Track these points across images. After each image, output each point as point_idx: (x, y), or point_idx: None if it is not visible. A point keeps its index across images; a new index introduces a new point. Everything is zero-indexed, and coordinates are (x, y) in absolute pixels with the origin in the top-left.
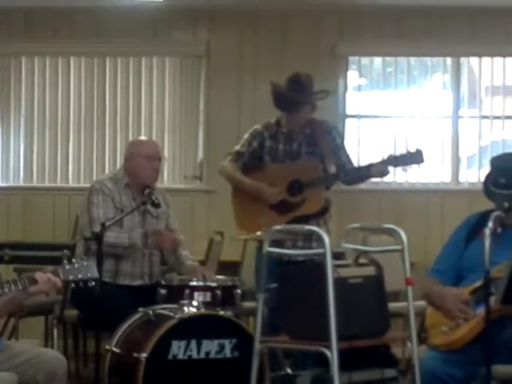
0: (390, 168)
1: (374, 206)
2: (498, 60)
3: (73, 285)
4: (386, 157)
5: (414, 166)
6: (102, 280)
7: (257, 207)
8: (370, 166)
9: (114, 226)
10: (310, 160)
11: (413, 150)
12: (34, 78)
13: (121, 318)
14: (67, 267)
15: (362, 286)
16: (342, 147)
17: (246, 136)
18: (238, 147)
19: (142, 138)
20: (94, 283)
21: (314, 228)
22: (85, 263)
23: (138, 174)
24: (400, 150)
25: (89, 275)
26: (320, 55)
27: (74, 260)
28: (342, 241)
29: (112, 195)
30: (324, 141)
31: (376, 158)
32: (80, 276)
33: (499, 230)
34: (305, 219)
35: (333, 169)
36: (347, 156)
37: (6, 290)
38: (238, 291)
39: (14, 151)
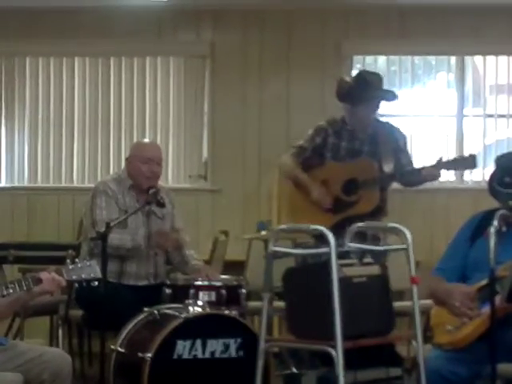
0: (443, 171)
1: None
2: (503, 58)
3: (76, 285)
4: (438, 160)
5: (467, 171)
6: (107, 280)
7: (312, 203)
8: (422, 168)
9: (117, 227)
10: (367, 159)
11: (466, 155)
12: (38, 78)
13: (126, 318)
14: (70, 267)
15: (367, 285)
16: (404, 149)
17: (310, 131)
18: (301, 142)
19: (145, 140)
20: (96, 283)
21: (320, 227)
22: (88, 263)
23: (136, 177)
24: (453, 154)
25: (92, 275)
26: (325, 54)
27: (77, 260)
28: (347, 240)
29: (115, 197)
30: (385, 141)
31: (430, 161)
32: (83, 276)
33: (504, 228)
34: (360, 219)
35: (388, 169)
36: (408, 158)
37: (11, 291)
38: (243, 291)
39: (18, 151)
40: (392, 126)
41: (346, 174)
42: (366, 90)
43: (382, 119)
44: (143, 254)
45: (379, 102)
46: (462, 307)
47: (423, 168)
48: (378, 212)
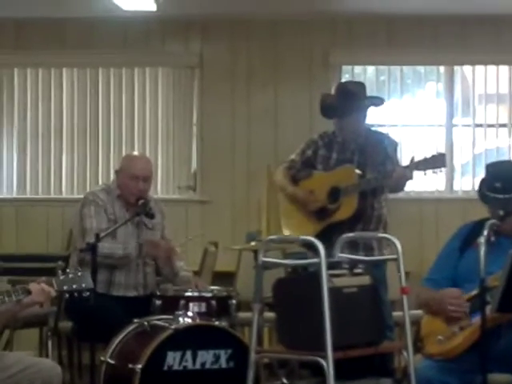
0: (414, 173)
1: None
2: (492, 68)
3: (67, 295)
4: (410, 161)
5: (437, 171)
6: (96, 291)
7: (301, 213)
8: (394, 171)
9: (107, 237)
10: (347, 166)
11: (435, 154)
12: (26, 89)
13: (115, 329)
14: (61, 277)
15: (357, 295)
16: (392, 156)
17: (302, 145)
18: (293, 156)
19: (135, 154)
20: (88, 293)
21: (310, 238)
22: (79, 273)
23: (123, 190)
24: (423, 155)
25: (83, 285)
26: (313, 64)
27: (68, 270)
28: (337, 251)
29: (105, 206)
30: (375, 151)
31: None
32: (74, 286)
33: (493, 238)
34: (342, 225)
35: (371, 175)
36: (393, 165)
37: (0, 302)
38: (233, 301)
39: (7, 162)
40: (382, 135)
41: (330, 183)
42: (352, 102)
43: (373, 128)
44: (133, 264)
45: (367, 111)
46: (457, 309)
47: (394, 171)
48: (359, 218)
